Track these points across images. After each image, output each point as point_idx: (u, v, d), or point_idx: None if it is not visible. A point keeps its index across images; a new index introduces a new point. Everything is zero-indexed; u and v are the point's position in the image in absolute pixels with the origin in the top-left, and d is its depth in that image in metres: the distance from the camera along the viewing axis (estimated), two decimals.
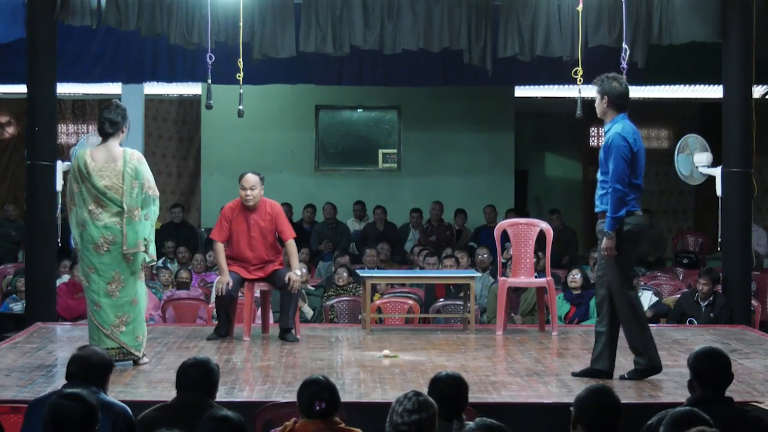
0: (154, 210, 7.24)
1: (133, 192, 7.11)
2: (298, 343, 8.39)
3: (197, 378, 4.67)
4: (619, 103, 6.91)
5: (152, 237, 7.22)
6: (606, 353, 6.95)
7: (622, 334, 7.02)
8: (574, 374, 7.02)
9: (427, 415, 3.85)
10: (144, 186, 7.14)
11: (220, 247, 8.57)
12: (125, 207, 7.07)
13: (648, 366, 6.90)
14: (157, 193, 7.25)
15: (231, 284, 8.44)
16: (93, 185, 7.13)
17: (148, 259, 7.21)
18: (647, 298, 10.22)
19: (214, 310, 8.95)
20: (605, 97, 6.91)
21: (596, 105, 6.99)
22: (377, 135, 15.30)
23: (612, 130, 6.85)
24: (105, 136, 7.30)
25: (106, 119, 7.29)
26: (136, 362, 7.27)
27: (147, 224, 7.16)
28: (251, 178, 8.54)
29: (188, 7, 9.88)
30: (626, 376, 6.91)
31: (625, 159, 6.75)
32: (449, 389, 4.43)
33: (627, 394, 6.43)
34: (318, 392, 4.44)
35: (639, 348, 6.91)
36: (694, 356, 4.61)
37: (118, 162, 7.15)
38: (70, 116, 15.97)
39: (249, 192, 8.50)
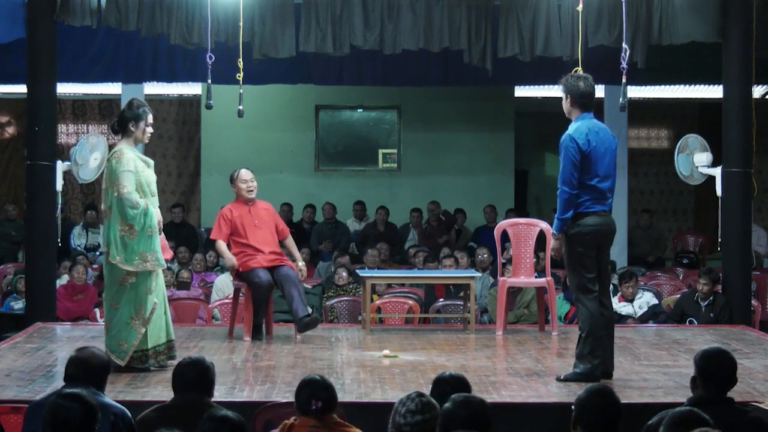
0: (126, 211, 6.95)
1: (109, 192, 7.04)
2: (298, 343, 8.39)
3: (194, 377, 4.66)
4: (582, 101, 6.91)
5: (115, 237, 6.95)
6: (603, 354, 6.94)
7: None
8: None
9: (430, 416, 3.85)
10: (113, 185, 7.00)
11: (221, 242, 8.73)
12: (102, 207, 7.09)
13: (588, 371, 6.78)
14: (122, 192, 6.94)
15: (236, 265, 8.58)
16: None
17: (134, 262, 6.99)
18: (647, 300, 10.19)
19: (251, 308, 8.57)
20: (568, 96, 6.94)
21: (562, 104, 7.01)
22: (377, 135, 15.29)
23: (566, 131, 6.86)
24: (115, 133, 7.28)
25: (117, 116, 7.25)
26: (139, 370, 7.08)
27: (114, 225, 6.97)
28: (247, 172, 8.85)
29: (188, 7, 9.88)
30: (561, 377, 6.90)
31: (573, 161, 6.74)
32: (452, 390, 4.42)
33: (627, 394, 6.43)
34: (315, 391, 4.47)
35: (582, 353, 6.85)
36: (701, 354, 4.61)
37: (107, 161, 7.17)
38: (70, 116, 15.97)
39: (250, 184, 8.80)
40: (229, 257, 8.64)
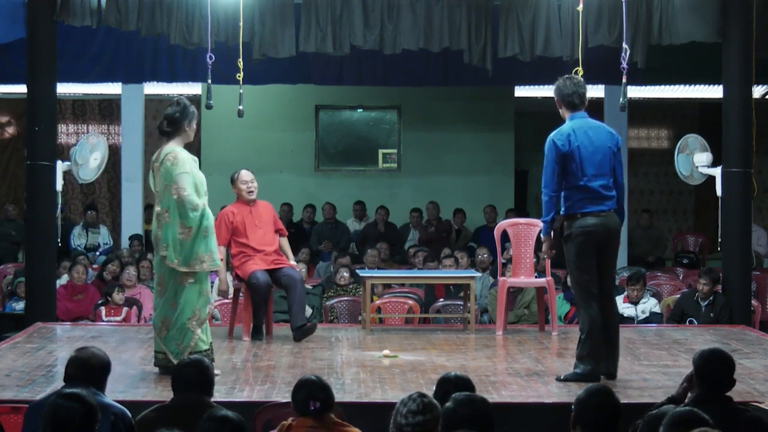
0: (186, 213, 6.84)
1: (165, 194, 6.89)
2: (299, 343, 8.39)
3: (193, 377, 4.66)
4: (568, 101, 6.89)
5: (173, 240, 6.83)
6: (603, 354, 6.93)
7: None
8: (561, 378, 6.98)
9: (431, 416, 3.85)
10: (172, 187, 6.86)
11: (221, 251, 8.68)
12: (158, 209, 6.93)
13: (588, 372, 6.77)
14: (182, 195, 6.84)
15: (232, 291, 8.59)
16: (150, 187, 7.09)
17: (169, 263, 6.86)
18: (650, 306, 10.13)
19: (250, 308, 8.59)
20: (557, 98, 6.97)
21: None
22: (377, 135, 15.30)
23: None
24: (164, 134, 7.06)
25: (165, 116, 7.05)
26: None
27: (174, 228, 6.84)
28: (248, 173, 8.88)
29: (188, 7, 9.88)
30: (561, 377, 6.90)
31: (551, 162, 6.76)
32: (456, 390, 4.41)
33: (627, 394, 6.43)
34: (313, 392, 4.49)
35: (582, 354, 6.86)
36: (699, 354, 4.64)
37: (159, 162, 6.97)
38: (70, 116, 15.97)
39: (251, 184, 8.82)
40: (224, 280, 8.75)
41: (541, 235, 6.99)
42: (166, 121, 7.04)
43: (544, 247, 6.98)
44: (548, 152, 6.79)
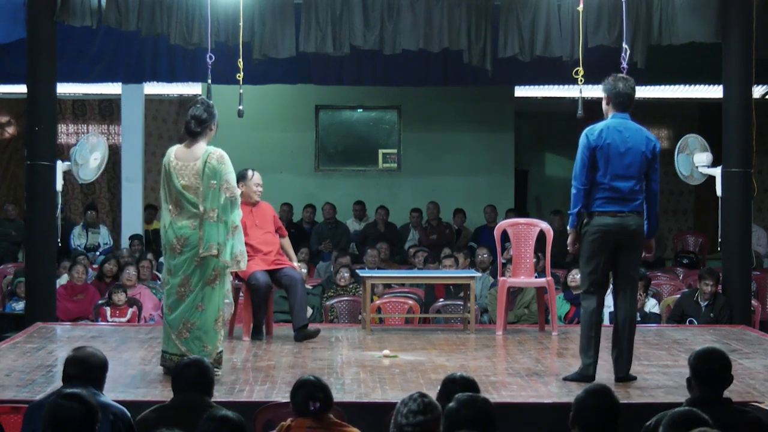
0: (233, 211, 6.84)
1: (209, 193, 6.78)
2: (299, 343, 8.39)
3: (193, 377, 4.66)
4: (617, 101, 6.83)
5: (224, 240, 6.77)
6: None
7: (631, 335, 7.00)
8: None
9: (432, 416, 3.85)
10: (221, 187, 6.78)
11: None
12: (201, 208, 6.78)
13: (580, 371, 6.81)
14: (235, 194, 6.83)
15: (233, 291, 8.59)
16: (173, 185, 6.88)
17: (220, 264, 6.81)
18: (649, 307, 10.11)
19: (250, 308, 8.60)
20: (605, 95, 6.93)
21: (602, 106, 7.01)
22: (377, 135, 15.30)
23: None
24: (192, 135, 6.95)
25: (192, 117, 6.95)
26: None
27: (222, 227, 6.78)
28: (259, 175, 8.94)
29: (188, 7, 9.88)
30: (563, 377, 6.92)
31: (581, 155, 6.73)
32: (462, 391, 4.40)
33: (626, 394, 6.43)
34: (312, 392, 4.50)
35: (579, 351, 6.88)
36: (695, 355, 4.62)
37: (198, 161, 6.83)
38: (70, 116, 15.97)
39: (261, 187, 8.92)
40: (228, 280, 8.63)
41: (567, 227, 6.92)
42: (194, 121, 6.96)
43: (569, 239, 6.89)
44: (579, 145, 6.78)
